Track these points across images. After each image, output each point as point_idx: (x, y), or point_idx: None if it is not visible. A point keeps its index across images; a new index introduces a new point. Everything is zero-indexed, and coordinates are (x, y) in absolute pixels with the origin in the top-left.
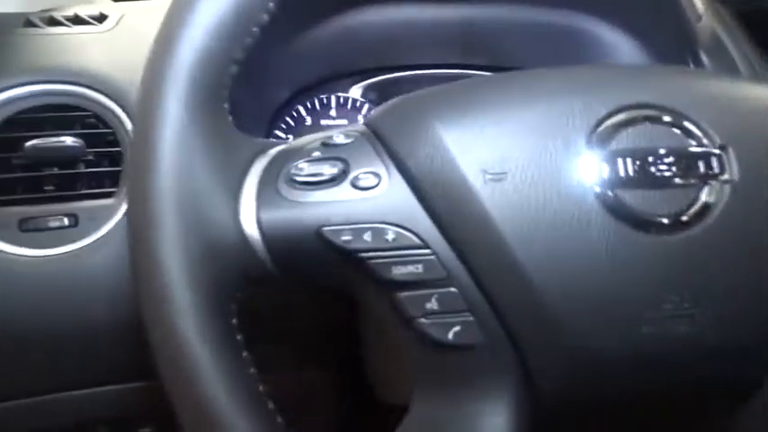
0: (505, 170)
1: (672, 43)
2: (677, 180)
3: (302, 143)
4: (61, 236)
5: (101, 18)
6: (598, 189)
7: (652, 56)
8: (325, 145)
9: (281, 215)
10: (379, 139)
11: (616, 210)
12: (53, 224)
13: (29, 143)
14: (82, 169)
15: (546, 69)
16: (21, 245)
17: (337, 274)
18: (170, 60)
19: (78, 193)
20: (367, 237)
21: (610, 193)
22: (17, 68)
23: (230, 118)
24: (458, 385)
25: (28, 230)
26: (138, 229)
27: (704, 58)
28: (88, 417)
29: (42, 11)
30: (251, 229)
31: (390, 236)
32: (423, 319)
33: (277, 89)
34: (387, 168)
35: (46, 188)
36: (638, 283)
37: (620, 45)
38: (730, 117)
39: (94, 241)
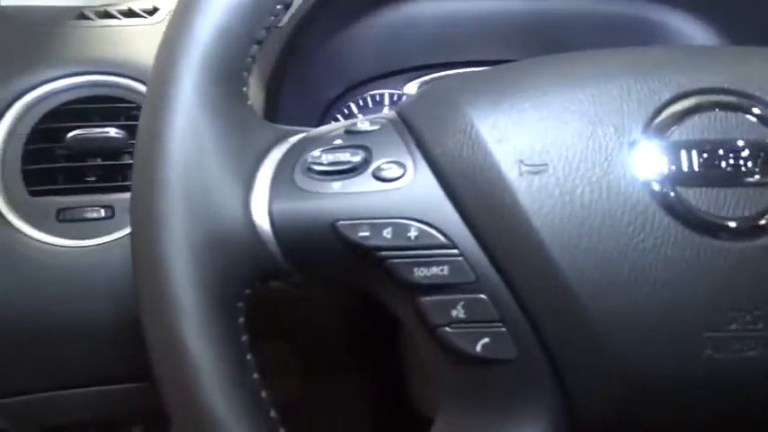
0: (546, 161)
1: (752, 31)
2: (753, 177)
3: (325, 130)
4: (97, 227)
5: (152, 11)
6: (656, 186)
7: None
8: (349, 132)
9: (294, 206)
10: (408, 127)
11: (677, 211)
12: (90, 215)
13: (71, 134)
14: (125, 161)
15: (600, 51)
16: (57, 235)
17: (355, 273)
18: (186, 39)
19: (119, 184)
20: (387, 233)
21: (670, 192)
22: (64, 60)
23: (249, 102)
24: (486, 403)
25: (65, 221)
26: (140, 219)
27: None
28: (113, 412)
29: (101, 5)
30: (262, 220)
31: (413, 233)
32: (447, 328)
33: (329, 85)
34: (413, 158)
35: (87, 179)
36: (700, 297)
37: (695, 35)
38: None
39: (128, 234)
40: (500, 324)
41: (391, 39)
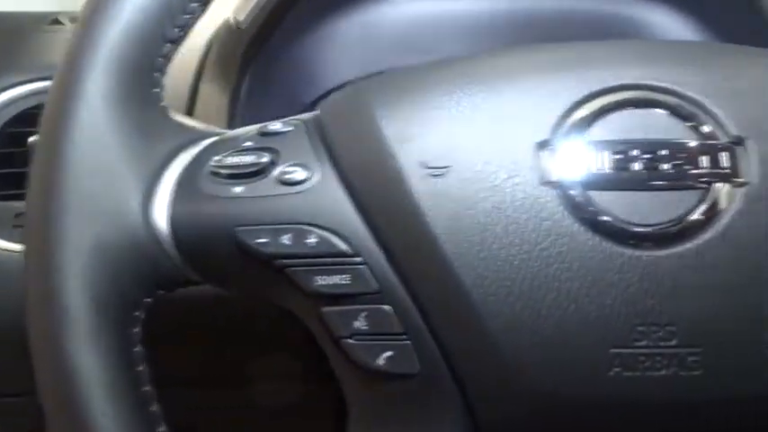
0: (449, 164)
1: (742, 30)
2: (668, 181)
3: (240, 132)
4: None
5: None
6: (565, 190)
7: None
8: (262, 134)
9: (195, 211)
10: (319, 128)
11: (586, 216)
12: None
13: (31, 138)
14: None
15: (522, 46)
16: (12, 240)
17: (258, 281)
18: (91, 38)
19: None
20: (286, 239)
21: (580, 196)
22: (31, 65)
23: (162, 104)
24: (390, 417)
25: (20, 225)
26: (32, 221)
27: None
28: None
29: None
30: (162, 226)
31: (313, 239)
32: (350, 340)
33: (304, 89)
34: (320, 161)
35: None
36: (608, 311)
37: (684, 34)
38: (756, 102)
39: None
40: (404, 337)
41: (367, 39)
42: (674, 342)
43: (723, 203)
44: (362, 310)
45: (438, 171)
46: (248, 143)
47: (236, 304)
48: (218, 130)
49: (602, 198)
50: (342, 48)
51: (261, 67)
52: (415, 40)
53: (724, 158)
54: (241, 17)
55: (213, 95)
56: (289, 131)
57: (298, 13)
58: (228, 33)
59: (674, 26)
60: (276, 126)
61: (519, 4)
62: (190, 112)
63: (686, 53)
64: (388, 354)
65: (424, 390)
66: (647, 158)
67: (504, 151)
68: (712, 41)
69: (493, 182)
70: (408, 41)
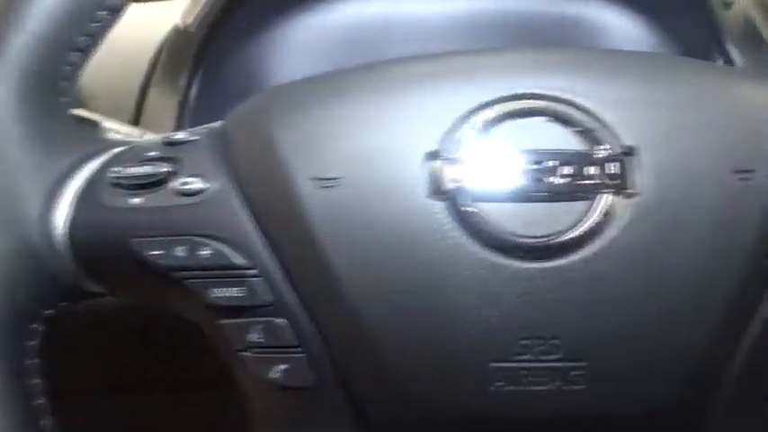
0: (339, 175)
1: (695, 32)
2: (560, 192)
3: (145, 142)
4: None
5: None
6: (453, 201)
7: (675, 48)
8: (167, 144)
9: (93, 222)
10: (224, 138)
11: (473, 228)
12: None
13: None
14: None
15: (426, 54)
16: None
17: (158, 293)
18: None
19: None
20: (180, 251)
21: (467, 207)
22: None
23: (72, 113)
24: (288, 429)
25: None
26: None
27: (733, 50)
28: None
29: None
30: (61, 238)
31: (206, 251)
32: (247, 353)
33: (256, 91)
34: (220, 172)
35: None
36: (492, 324)
37: (640, 35)
38: (651, 112)
39: None
40: (299, 350)
41: (318, 40)
42: (557, 356)
43: (611, 215)
44: (258, 323)
45: (329, 183)
46: (152, 153)
47: (140, 313)
48: (127, 139)
49: (489, 209)
50: (293, 48)
51: (211, 68)
52: (366, 41)
53: (614, 169)
54: (189, 20)
55: (161, 99)
56: (193, 141)
57: (247, 14)
58: (177, 36)
59: (629, 27)
60: (181, 135)
61: (473, 5)
62: (137, 116)
63: (584, 61)
64: (283, 366)
65: (320, 402)
66: (534, 169)
67: (394, 162)
68: (625, 50)
69: (382, 193)
70: (359, 42)
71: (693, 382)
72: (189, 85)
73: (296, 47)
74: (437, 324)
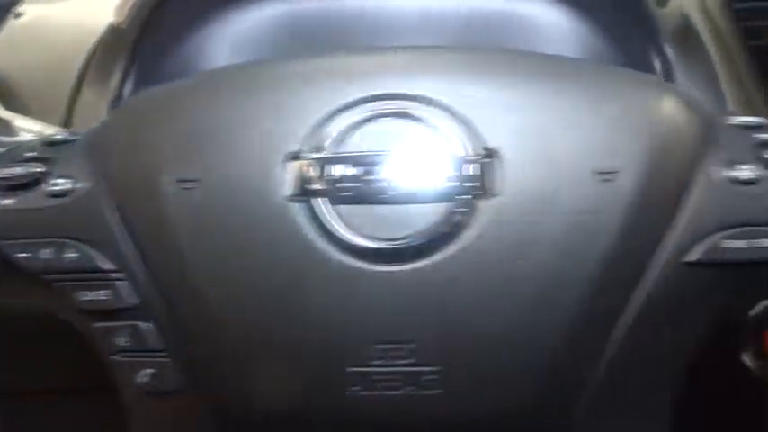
0: (199, 176)
1: (631, 30)
2: (419, 194)
3: (27, 142)
4: None
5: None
6: (309, 204)
7: (613, 46)
8: (46, 144)
9: None
10: (102, 139)
11: (329, 231)
12: None
13: None
14: None
15: (295, 55)
16: None
17: (31, 295)
18: None
19: None
20: (47, 254)
21: (324, 210)
22: None
23: None
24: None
25: None
26: None
27: (669, 49)
28: None
29: None
30: None
31: (73, 254)
32: (116, 356)
33: None
34: (93, 173)
35: None
36: (347, 328)
37: (580, 33)
38: (514, 115)
39: None
40: (164, 353)
41: (253, 35)
42: (411, 360)
43: (470, 217)
44: (125, 327)
45: (189, 184)
46: (30, 153)
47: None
48: (11, 139)
49: (347, 212)
50: (226, 43)
51: (145, 66)
52: (300, 34)
53: (474, 171)
54: (121, 17)
55: (94, 99)
56: (71, 141)
57: (180, 10)
58: (111, 35)
59: (569, 25)
60: (61, 135)
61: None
62: (69, 116)
63: (454, 62)
64: (150, 371)
65: (187, 406)
66: (393, 171)
67: (255, 163)
68: (523, 51)
69: (242, 195)
70: (294, 35)
71: (553, 385)
72: (122, 84)
73: (229, 42)
74: (294, 328)
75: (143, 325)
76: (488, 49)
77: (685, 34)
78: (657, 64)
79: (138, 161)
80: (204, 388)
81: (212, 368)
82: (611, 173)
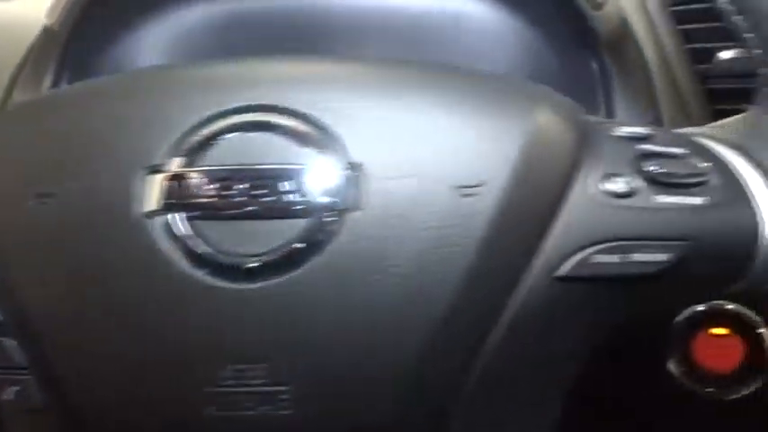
0: (54, 190)
1: (567, 33)
2: (275, 209)
3: None
4: None
5: None
6: (167, 219)
7: (549, 48)
8: None
9: None
10: None
11: (185, 248)
12: None
13: None
14: None
15: (162, 66)
16: None
17: None
18: None
19: None
20: None
21: (179, 225)
22: None
23: None
24: None
25: None
26: None
27: (606, 53)
28: None
29: None
30: None
31: None
32: None
33: None
34: None
35: None
36: (202, 347)
37: (519, 36)
38: (381, 126)
39: None
40: (26, 372)
41: (184, 37)
42: (264, 381)
43: (329, 232)
44: None
45: (45, 199)
46: None
47: None
48: None
49: (206, 228)
50: (158, 46)
51: (77, 68)
52: (233, 36)
53: (335, 185)
54: (53, 18)
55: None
56: None
57: (111, 12)
58: (43, 36)
59: (494, 19)
60: None
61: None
62: None
63: (324, 72)
64: (15, 388)
65: (51, 424)
66: (251, 185)
67: (112, 177)
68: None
69: (98, 210)
70: (226, 37)
71: (416, 402)
72: (54, 86)
73: (161, 45)
74: (149, 347)
75: (6, 341)
76: (372, 59)
77: (623, 38)
78: (594, 68)
79: (3, 173)
80: (63, 406)
81: (70, 386)
82: (473, 187)
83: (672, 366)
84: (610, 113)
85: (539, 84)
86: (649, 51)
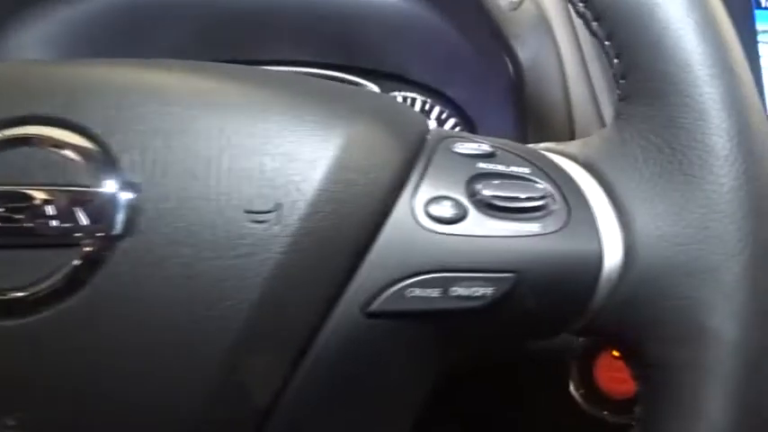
0: None
1: (484, 33)
2: (36, 237)
3: None
4: None
5: None
6: None
7: (468, 48)
8: None
9: None
10: None
11: None
12: None
13: None
14: None
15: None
16: None
17: None
18: None
19: None
20: None
21: None
22: None
23: None
24: None
25: None
26: None
27: (521, 53)
28: None
29: None
30: None
31: None
32: None
33: None
34: None
35: None
36: None
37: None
38: (163, 142)
39: None
40: None
41: (76, 32)
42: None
43: (97, 262)
44: None
45: None
46: None
47: None
48: None
49: None
50: (46, 42)
51: None
52: (117, 32)
53: (105, 209)
54: None
55: None
56: None
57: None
58: None
59: (406, 10)
60: None
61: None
62: None
63: (104, 78)
64: None
65: None
66: (11, 209)
67: None
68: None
69: None
70: (123, 33)
71: None
72: None
73: (53, 40)
74: None
75: None
76: (182, 63)
77: (540, 29)
78: (510, 60)
79: None
80: None
81: None
82: (266, 213)
83: (573, 389)
84: (522, 119)
85: (381, 95)
86: (563, 41)
